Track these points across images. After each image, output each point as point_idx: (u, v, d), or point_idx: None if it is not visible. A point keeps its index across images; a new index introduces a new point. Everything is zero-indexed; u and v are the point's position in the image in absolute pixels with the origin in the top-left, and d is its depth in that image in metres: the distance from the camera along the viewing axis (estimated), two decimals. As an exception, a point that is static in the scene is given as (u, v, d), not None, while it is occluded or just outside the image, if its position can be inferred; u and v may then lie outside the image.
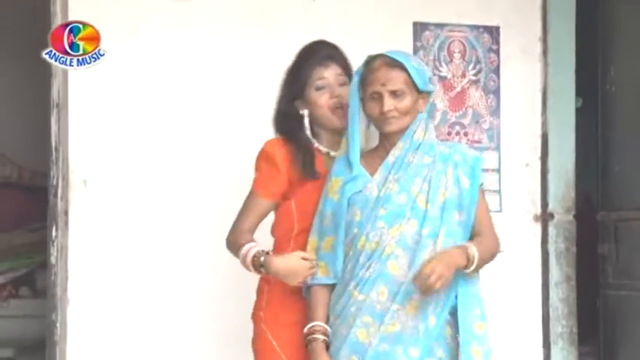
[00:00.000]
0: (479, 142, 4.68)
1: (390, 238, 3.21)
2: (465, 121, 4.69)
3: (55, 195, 4.26)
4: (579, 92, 4.89)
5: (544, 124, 4.79)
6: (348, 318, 3.22)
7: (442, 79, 4.66)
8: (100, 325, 4.24)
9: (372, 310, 3.19)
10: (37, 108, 4.94)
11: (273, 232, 3.54)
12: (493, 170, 4.70)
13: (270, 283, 3.45)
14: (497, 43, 4.73)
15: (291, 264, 3.32)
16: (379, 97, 3.25)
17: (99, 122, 4.27)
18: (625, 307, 4.83)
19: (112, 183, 4.27)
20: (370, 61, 3.31)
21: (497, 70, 4.73)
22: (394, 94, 3.24)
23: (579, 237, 4.84)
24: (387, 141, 3.32)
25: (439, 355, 3.20)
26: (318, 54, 3.49)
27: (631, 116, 4.84)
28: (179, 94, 4.35)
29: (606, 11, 4.96)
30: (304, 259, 3.32)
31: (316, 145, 3.49)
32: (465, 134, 4.68)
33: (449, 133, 4.66)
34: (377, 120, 3.28)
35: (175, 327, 4.30)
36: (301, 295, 3.39)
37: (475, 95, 4.71)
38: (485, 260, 3.26)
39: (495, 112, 4.72)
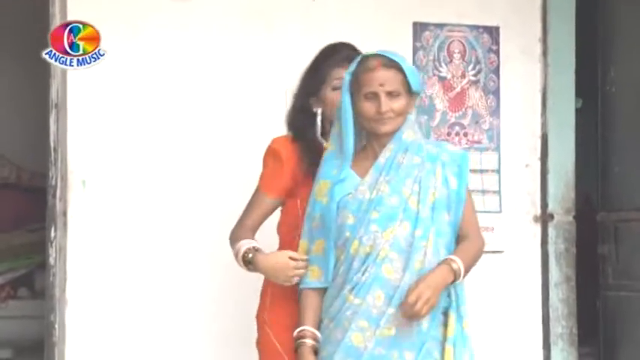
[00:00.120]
0: (478, 142, 4.68)
1: (384, 242, 3.17)
2: (465, 122, 4.68)
3: (54, 195, 4.25)
4: (579, 93, 4.88)
5: (544, 125, 4.78)
6: (343, 322, 3.18)
7: (442, 79, 4.66)
8: (98, 326, 4.22)
9: (369, 314, 3.16)
10: (36, 108, 4.93)
11: (278, 230, 3.52)
12: (493, 171, 4.69)
13: (273, 285, 3.43)
14: (497, 43, 4.72)
15: (275, 262, 3.30)
16: (375, 97, 3.21)
17: (98, 123, 4.26)
18: (625, 308, 4.83)
19: (110, 184, 4.26)
20: (365, 60, 3.25)
21: (497, 71, 4.73)
22: (390, 94, 3.21)
23: (579, 238, 4.83)
24: (375, 142, 3.27)
25: (435, 356, 3.19)
26: (339, 54, 3.48)
27: (631, 117, 4.84)
28: (179, 94, 4.34)
29: (606, 11, 4.96)
30: (293, 258, 3.29)
31: (325, 144, 3.46)
32: (465, 135, 4.67)
33: (448, 134, 4.65)
34: (372, 120, 3.23)
35: (175, 327, 4.29)
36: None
37: (475, 96, 4.70)
38: (471, 266, 3.25)
39: (495, 112, 4.71)
